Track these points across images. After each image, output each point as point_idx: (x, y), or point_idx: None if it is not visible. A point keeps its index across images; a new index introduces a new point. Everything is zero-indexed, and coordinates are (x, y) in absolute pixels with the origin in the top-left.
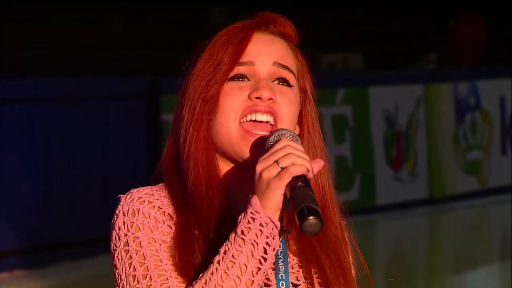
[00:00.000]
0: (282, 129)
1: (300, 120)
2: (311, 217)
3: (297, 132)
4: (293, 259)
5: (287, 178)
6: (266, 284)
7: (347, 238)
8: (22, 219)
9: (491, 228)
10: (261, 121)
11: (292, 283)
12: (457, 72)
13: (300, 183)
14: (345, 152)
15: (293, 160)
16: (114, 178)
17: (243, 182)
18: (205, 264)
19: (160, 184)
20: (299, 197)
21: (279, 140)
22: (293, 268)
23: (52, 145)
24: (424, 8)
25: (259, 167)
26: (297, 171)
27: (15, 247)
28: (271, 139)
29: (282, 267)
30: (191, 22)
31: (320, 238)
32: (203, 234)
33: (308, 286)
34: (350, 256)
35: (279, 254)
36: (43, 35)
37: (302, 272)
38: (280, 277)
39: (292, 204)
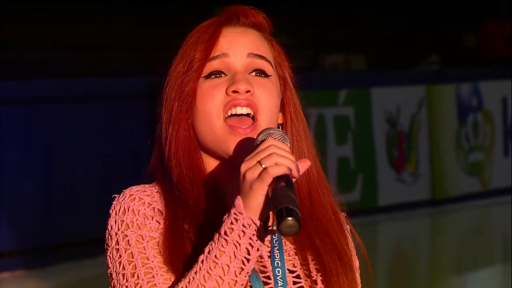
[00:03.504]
0: (271, 128)
1: (283, 108)
2: (289, 218)
3: (280, 120)
4: (290, 247)
5: (268, 179)
6: (262, 271)
7: (341, 221)
8: (23, 219)
9: (493, 229)
10: (241, 114)
11: (288, 269)
12: (459, 73)
13: (282, 184)
14: (347, 153)
15: (275, 160)
16: (115, 178)
17: (232, 177)
18: (196, 256)
19: (155, 182)
20: (279, 198)
21: (265, 139)
22: (289, 255)
23: (53, 146)
24: (426, 9)
25: (243, 168)
26: (277, 171)
27: (16, 247)
28: (259, 138)
29: (277, 255)
30: (194, 24)
31: (312, 222)
32: (193, 228)
33: (305, 272)
34: (349, 241)
35: (274, 242)
36: (43, 35)
37: (298, 259)
38: (276, 265)
39: (272, 204)
